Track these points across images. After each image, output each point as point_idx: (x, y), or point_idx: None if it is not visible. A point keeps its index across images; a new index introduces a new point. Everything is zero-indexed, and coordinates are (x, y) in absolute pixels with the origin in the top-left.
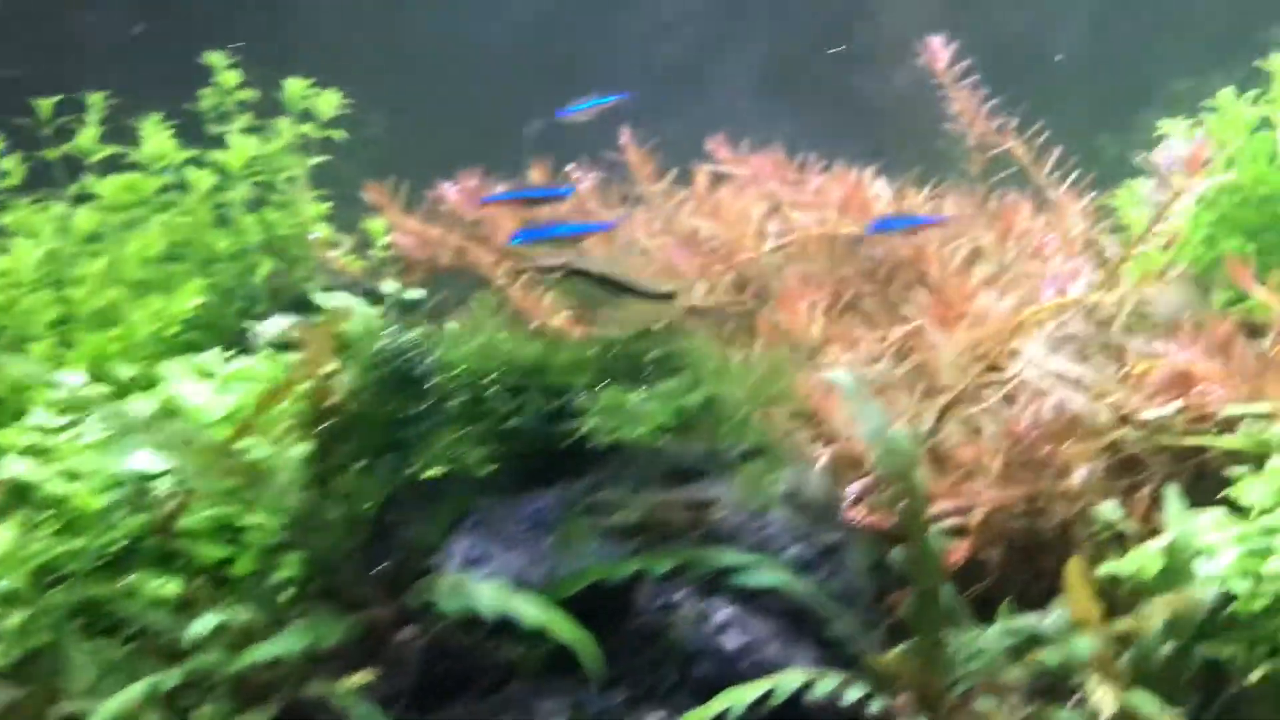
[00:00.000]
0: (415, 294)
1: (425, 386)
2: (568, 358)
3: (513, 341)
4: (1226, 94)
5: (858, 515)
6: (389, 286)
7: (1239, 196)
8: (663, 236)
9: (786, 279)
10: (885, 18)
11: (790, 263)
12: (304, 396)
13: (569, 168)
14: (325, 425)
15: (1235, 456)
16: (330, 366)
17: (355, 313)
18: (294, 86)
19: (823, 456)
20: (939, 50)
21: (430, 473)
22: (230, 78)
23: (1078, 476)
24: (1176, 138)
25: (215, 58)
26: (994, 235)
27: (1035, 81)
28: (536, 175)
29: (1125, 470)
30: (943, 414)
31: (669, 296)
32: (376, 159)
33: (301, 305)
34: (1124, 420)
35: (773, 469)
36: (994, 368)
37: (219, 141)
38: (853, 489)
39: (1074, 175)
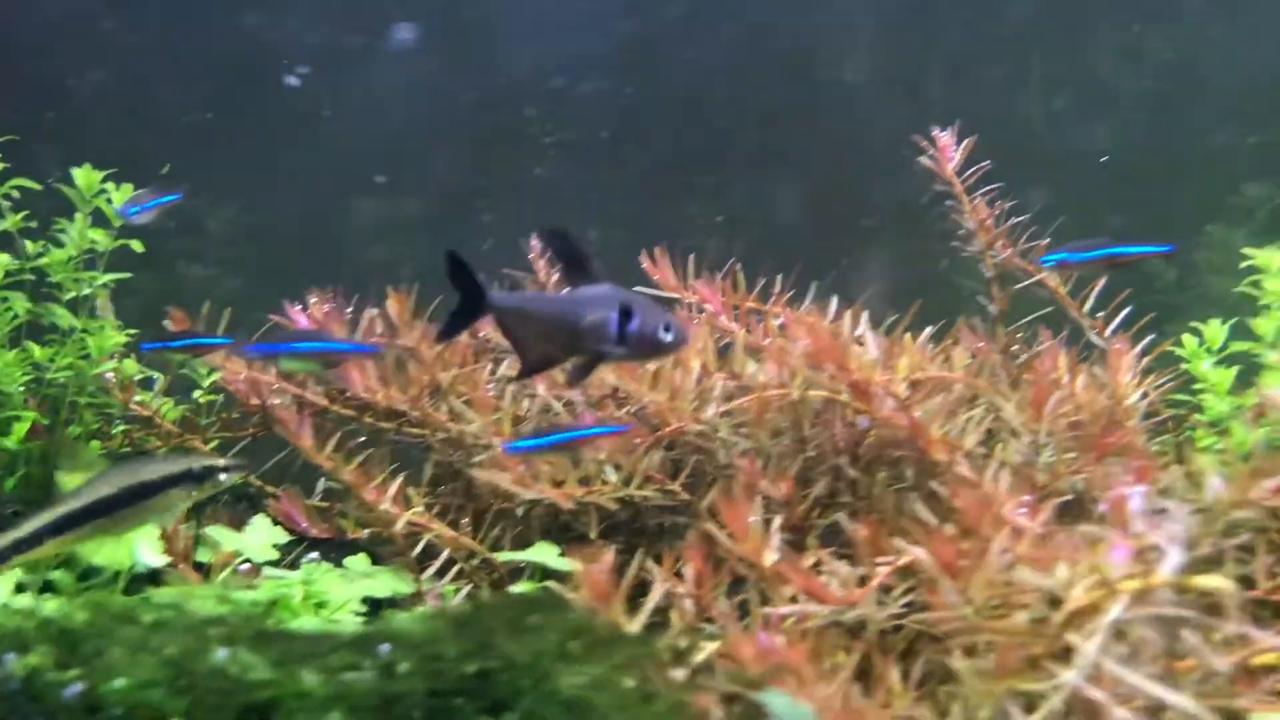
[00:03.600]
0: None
1: None
2: (319, 685)
3: (227, 650)
4: None
5: None
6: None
7: None
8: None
9: (735, 464)
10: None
11: (741, 435)
12: None
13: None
14: None
15: None
16: None
17: None
18: (85, 177)
19: None
20: (948, 147)
21: None
22: None
23: None
24: None
25: None
26: (1019, 400)
27: (1070, 186)
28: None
29: None
30: None
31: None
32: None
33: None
34: None
35: None
36: (1037, 666)
37: None
38: None
39: (1125, 312)
